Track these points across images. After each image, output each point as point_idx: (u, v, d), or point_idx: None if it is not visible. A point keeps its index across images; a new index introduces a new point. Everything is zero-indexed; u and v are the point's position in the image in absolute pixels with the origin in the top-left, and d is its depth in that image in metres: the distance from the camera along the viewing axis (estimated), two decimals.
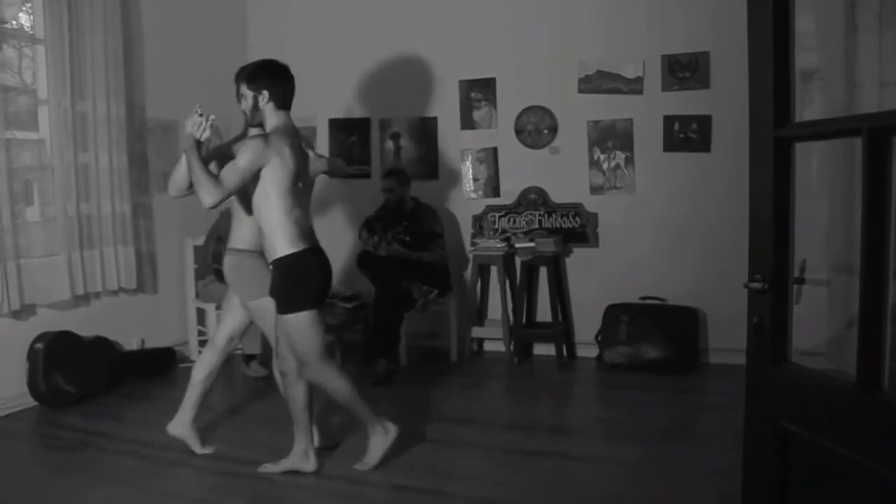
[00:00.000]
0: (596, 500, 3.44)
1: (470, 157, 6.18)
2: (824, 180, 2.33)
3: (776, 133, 1.86)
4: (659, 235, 5.68)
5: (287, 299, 3.53)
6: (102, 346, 5.18)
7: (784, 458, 1.90)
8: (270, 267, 3.57)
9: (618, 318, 5.61)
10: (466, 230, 6.21)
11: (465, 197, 6.20)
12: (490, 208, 6.09)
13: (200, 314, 5.90)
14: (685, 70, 5.55)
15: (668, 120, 5.62)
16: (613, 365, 5.54)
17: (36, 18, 5.03)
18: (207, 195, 3.36)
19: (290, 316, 3.52)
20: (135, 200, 5.50)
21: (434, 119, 6.21)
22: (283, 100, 3.67)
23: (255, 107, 3.65)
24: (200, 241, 5.81)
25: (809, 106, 3.65)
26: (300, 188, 3.59)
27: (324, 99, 6.27)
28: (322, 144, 6.56)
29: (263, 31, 6.67)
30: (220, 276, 5.65)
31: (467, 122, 6.16)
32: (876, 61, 2.79)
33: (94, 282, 5.20)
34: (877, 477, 1.63)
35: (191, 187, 3.57)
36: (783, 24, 1.82)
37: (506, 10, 5.92)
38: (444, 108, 6.17)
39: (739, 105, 2.21)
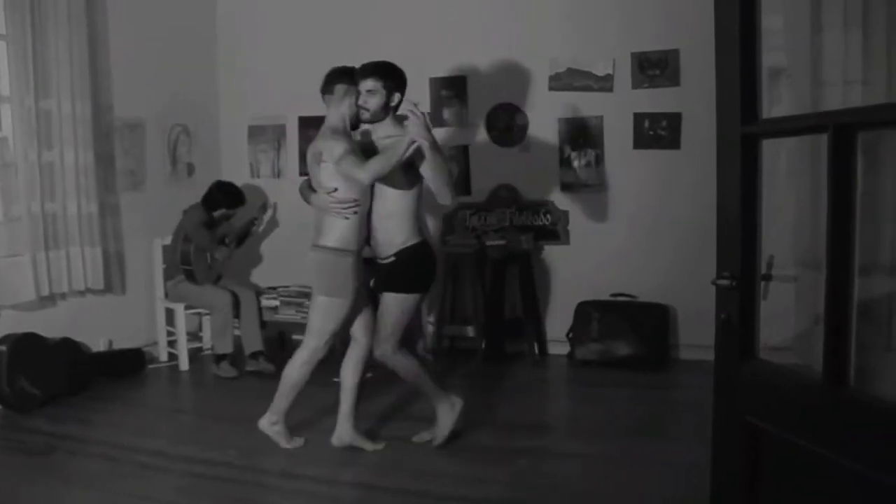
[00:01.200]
0: (570, 497, 3.45)
1: None
2: (793, 177, 2.35)
3: (743, 130, 1.87)
4: (630, 232, 5.71)
5: (410, 281, 3.80)
6: (69, 347, 5.09)
7: (753, 453, 1.91)
8: (392, 257, 3.78)
9: (589, 314, 5.63)
10: (438, 228, 6.19)
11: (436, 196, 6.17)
12: (461, 206, 6.07)
13: (170, 314, 5.83)
14: (655, 68, 5.58)
15: (639, 117, 5.65)
16: (585, 362, 5.56)
17: None
18: (452, 187, 3.82)
19: (404, 295, 3.78)
20: (102, 200, 5.42)
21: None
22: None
23: (386, 105, 3.74)
24: (169, 240, 5.75)
25: (778, 103, 3.69)
26: None
27: (294, 97, 6.23)
28: (292, 142, 6.52)
29: (232, 29, 6.61)
30: (189, 276, 5.62)
31: (438, 120, 6.14)
32: (842, 59, 2.81)
33: (59, 282, 5.13)
34: (843, 471, 1.64)
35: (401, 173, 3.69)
36: (750, 22, 1.83)
37: (477, 8, 5.91)
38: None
39: (709, 102, 2.21)
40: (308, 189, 3.91)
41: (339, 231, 3.74)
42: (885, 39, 2.10)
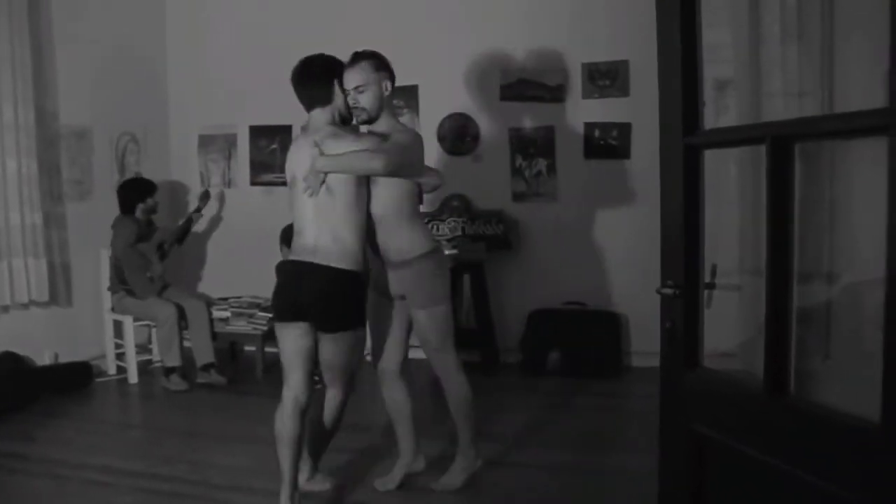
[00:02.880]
0: None
1: None
2: (738, 186, 2.39)
3: (685, 140, 1.89)
4: (581, 241, 5.76)
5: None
6: (12, 361, 4.99)
7: (698, 460, 1.94)
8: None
9: (541, 323, 5.66)
10: None
11: None
12: None
13: (118, 326, 5.73)
14: (605, 78, 5.64)
15: (589, 127, 5.71)
16: (537, 370, 5.58)
17: None
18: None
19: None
20: (46, 210, 5.31)
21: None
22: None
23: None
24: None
25: (725, 114, 3.76)
26: None
27: (245, 106, 6.19)
28: (243, 151, 6.46)
29: (182, 35, 6.54)
30: (129, 292, 5.53)
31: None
32: (781, 71, 2.87)
33: (2, 294, 5.02)
34: (786, 477, 1.67)
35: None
36: (690, 35, 1.86)
37: (428, 17, 5.93)
38: None
39: (658, 113, 2.24)
40: None
41: (420, 235, 3.53)
42: (819, 51, 2.15)
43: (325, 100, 3.29)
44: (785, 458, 1.66)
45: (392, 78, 3.35)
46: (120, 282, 5.55)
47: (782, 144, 1.61)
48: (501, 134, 5.91)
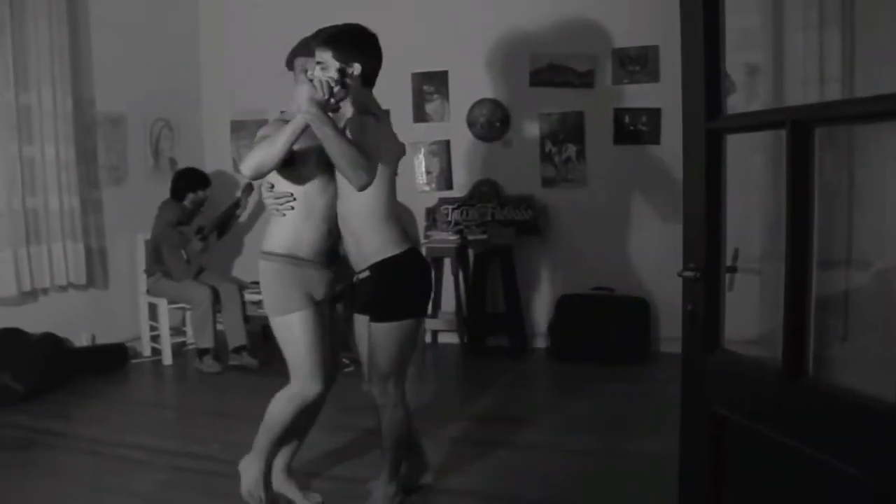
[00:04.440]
0: (547, 489, 3.49)
1: (423, 150, 6.19)
2: (762, 171, 2.39)
3: (707, 125, 1.90)
4: (610, 227, 5.76)
5: (398, 304, 3.03)
6: (51, 342, 5.10)
7: (718, 442, 1.96)
8: (365, 271, 3.05)
9: (570, 308, 5.68)
10: (420, 222, 6.23)
11: (418, 190, 6.21)
12: (443, 201, 6.11)
13: (152, 309, 5.84)
14: (635, 63, 5.62)
15: (619, 113, 5.70)
16: (565, 355, 5.60)
17: None
18: (365, 172, 2.76)
19: (396, 324, 3.02)
20: (84, 195, 5.43)
21: (386, 112, 6.16)
22: (373, 76, 2.98)
23: (343, 82, 2.82)
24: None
25: (755, 100, 3.74)
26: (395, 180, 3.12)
27: (276, 91, 6.23)
28: None
29: (215, 23, 6.62)
30: (166, 273, 5.64)
31: (420, 115, 6.18)
32: (818, 57, 2.85)
33: (41, 277, 5.14)
34: (804, 458, 1.69)
35: (286, 166, 2.91)
36: (714, 19, 1.87)
37: (458, 3, 5.94)
38: (397, 101, 6.16)
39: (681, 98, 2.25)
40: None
41: (279, 233, 3.07)
42: (850, 37, 2.14)
43: None
44: (803, 440, 1.67)
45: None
46: (157, 262, 5.66)
47: (802, 129, 1.62)
48: (531, 119, 5.92)
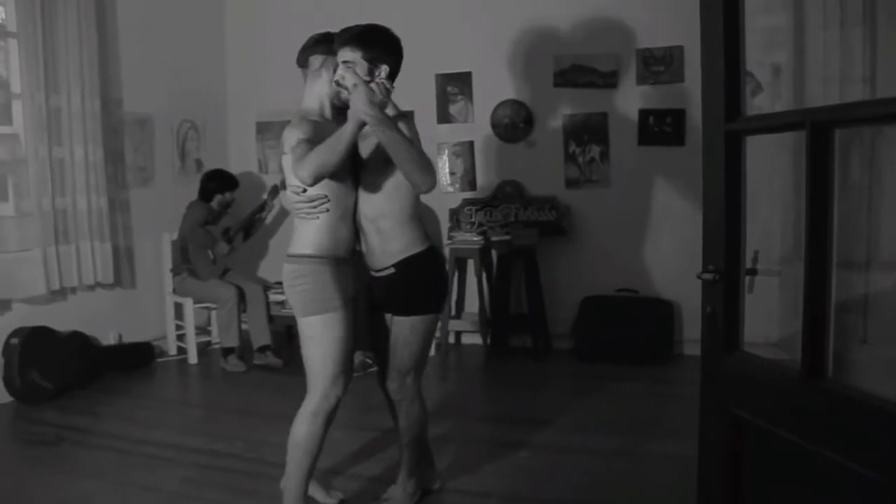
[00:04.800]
0: (568, 489, 3.49)
1: (446, 151, 6.20)
2: (784, 172, 2.38)
3: (727, 127, 1.90)
4: (634, 228, 5.74)
5: (422, 298, 3.08)
6: (79, 340, 5.19)
7: (737, 442, 1.95)
8: (390, 268, 3.04)
9: (593, 310, 5.67)
10: (444, 223, 6.24)
11: (442, 191, 6.23)
12: (467, 202, 6.12)
13: (178, 308, 5.91)
14: (660, 64, 5.60)
15: (643, 114, 5.68)
16: (589, 356, 5.59)
17: (8, 11, 5.00)
18: (431, 173, 2.84)
19: (420, 318, 3.06)
20: (111, 195, 5.50)
21: (410, 113, 6.19)
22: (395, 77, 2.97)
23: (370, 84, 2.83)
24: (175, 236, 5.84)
25: (781, 100, 3.71)
26: None
27: (301, 92, 6.28)
28: None
29: (241, 25, 6.68)
30: (192, 273, 5.71)
31: (444, 116, 6.19)
32: (846, 57, 2.83)
33: (70, 277, 5.20)
34: (822, 461, 1.68)
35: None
36: (733, 21, 1.87)
37: (482, 4, 5.95)
38: (421, 102, 6.18)
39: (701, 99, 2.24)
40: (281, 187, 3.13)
41: (308, 234, 2.98)
42: (861, 37, 2.12)
43: None
44: (821, 443, 1.67)
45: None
46: (183, 261, 5.73)
47: (822, 130, 1.61)
48: (555, 120, 5.92)
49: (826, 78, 2.89)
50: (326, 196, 2.93)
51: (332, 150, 2.74)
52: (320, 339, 2.96)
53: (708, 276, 1.95)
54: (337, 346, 2.97)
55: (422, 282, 3.06)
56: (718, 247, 1.94)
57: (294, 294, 2.98)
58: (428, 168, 2.81)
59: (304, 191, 2.91)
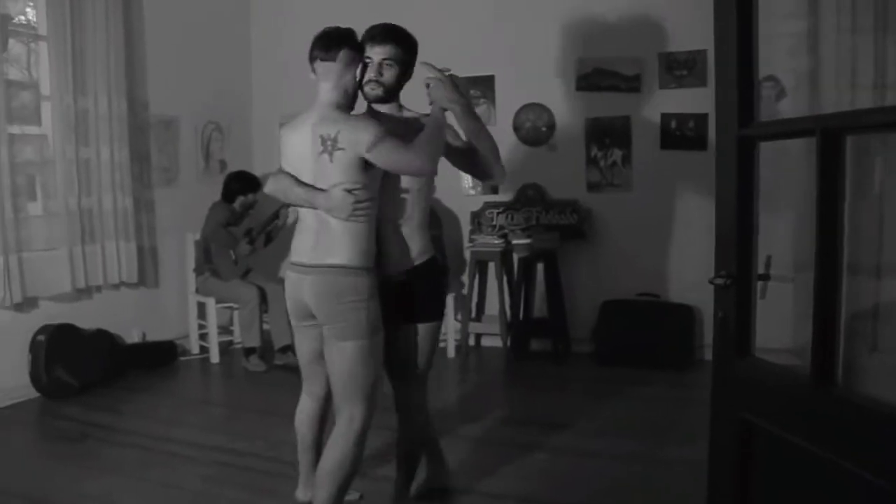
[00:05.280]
0: (584, 493, 3.50)
1: None
2: (798, 178, 2.38)
3: (740, 132, 1.90)
4: (655, 232, 5.72)
5: (440, 303, 3.12)
6: (104, 338, 5.27)
7: (747, 448, 1.95)
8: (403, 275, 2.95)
9: (614, 314, 5.66)
10: (465, 226, 6.26)
11: (464, 193, 6.25)
12: (488, 205, 6.13)
13: (201, 308, 5.98)
14: (683, 68, 5.58)
15: (666, 118, 5.66)
16: (609, 360, 5.58)
17: (39, 14, 5.10)
18: (502, 165, 2.94)
19: (437, 323, 3.08)
20: (136, 195, 5.58)
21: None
22: None
23: (401, 82, 2.93)
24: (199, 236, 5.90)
25: (804, 105, 3.69)
26: None
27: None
28: None
29: (266, 27, 6.74)
30: (214, 273, 5.77)
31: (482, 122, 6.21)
32: (870, 63, 2.82)
33: (95, 275, 5.29)
34: (834, 468, 1.68)
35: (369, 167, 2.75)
36: (747, 26, 1.87)
37: (505, 7, 5.97)
38: None
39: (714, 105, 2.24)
40: (298, 185, 2.81)
41: (359, 242, 2.76)
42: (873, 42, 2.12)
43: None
44: (831, 450, 1.66)
45: None
46: (206, 261, 5.79)
47: (832, 137, 1.61)
48: (577, 124, 5.91)
49: (850, 84, 2.88)
50: (373, 198, 2.78)
51: (437, 139, 2.73)
52: (375, 359, 2.85)
53: (720, 280, 1.96)
54: (380, 365, 2.91)
55: (435, 288, 3.07)
56: (730, 252, 1.95)
57: (352, 312, 2.75)
58: (499, 158, 2.89)
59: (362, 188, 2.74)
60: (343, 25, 3.01)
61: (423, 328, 3.04)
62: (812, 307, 1.70)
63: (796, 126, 1.89)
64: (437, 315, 3.08)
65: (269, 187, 2.91)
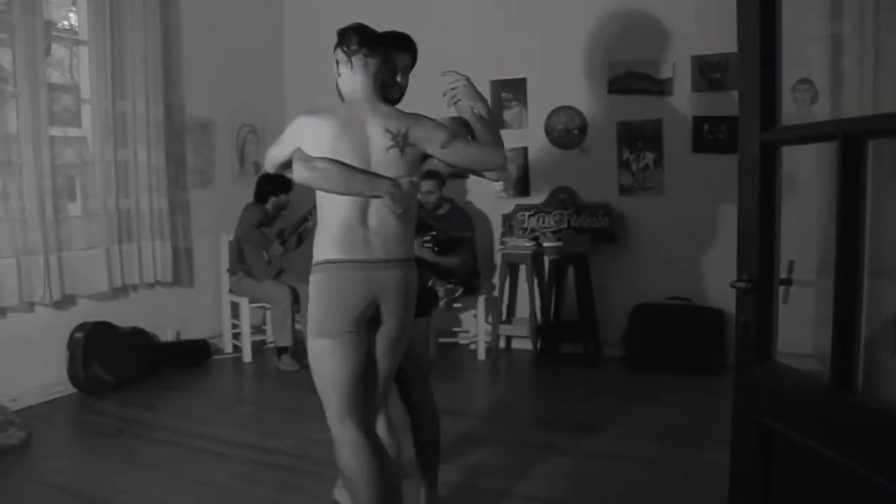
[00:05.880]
0: (611, 497, 3.50)
1: None
2: (823, 181, 2.36)
3: (762, 137, 1.90)
4: (687, 236, 5.69)
5: (429, 299, 3.27)
6: (139, 336, 5.38)
7: (768, 453, 1.95)
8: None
9: (645, 317, 5.64)
10: (496, 228, 6.28)
11: (496, 196, 6.26)
12: (519, 207, 6.15)
13: (235, 308, 6.06)
14: (715, 71, 5.55)
15: (698, 121, 5.63)
16: (640, 364, 5.56)
17: (80, 20, 5.22)
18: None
19: (428, 318, 3.20)
20: (172, 197, 5.68)
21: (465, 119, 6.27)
22: None
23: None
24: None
25: (838, 108, 3.64)
26: None
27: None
28: None
29: (299, 31, 6.82)
30: (248, 273, 5.85)
31: (498, 122, 6.22)
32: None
33: (131, 274, 5.40)
34: (853, 474, 1.67)
35: None
36: (770, 31, 1.87)
37: (537, 11, 5.98)
38: None
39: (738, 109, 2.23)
40: (356, 172, 2.66)
41: (411, 235, 2.79)
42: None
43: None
44: (850, 454, 1.66)
45: None
46: (240, 262, 5.88)
47: (854, 141, 1.61)
48: (609, 127, 5.90)
49: (882, 87, 2.84)
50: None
51: (498, 132, 2.84)
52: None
53: (741, 284, 1.95)
54: None
55: (422, 283, 3.05)
56: (752, 256, 1.95)
57: (413, 306, 2.81)
58: (494, 150, 2.77)
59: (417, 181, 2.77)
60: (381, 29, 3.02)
61: (419, 324, 3.05)
62: (832, 312, 1.70)
63: (818, 130, 1.88)
64: (426, 309, 3.17)
65: (302, 174, 2.69)
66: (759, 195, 1.91)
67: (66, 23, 5.25)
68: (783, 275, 1.95)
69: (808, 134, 1.93)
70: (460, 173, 3.35)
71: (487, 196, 6.30)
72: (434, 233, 5.48)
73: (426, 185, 5.72)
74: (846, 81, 3.47)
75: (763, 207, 1.91)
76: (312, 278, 2.72)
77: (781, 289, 1.94)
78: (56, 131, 4.98)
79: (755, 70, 1.89)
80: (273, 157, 2.82)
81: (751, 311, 1.95)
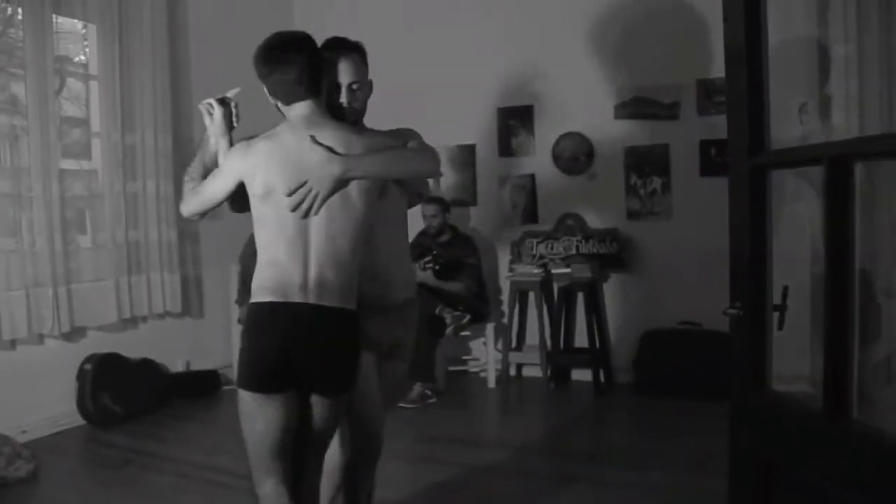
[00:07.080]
0: None
1: (508, 184, 6.24)
2: (817, 206, 2.34)
3: (751, 161, 1.89)
4: (696, 261, 5.63)
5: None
6: (149, 367, 5.39)
7: (764, 482, 1.91)
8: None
9: (655, 343, 5.59)
10: (504, 256, 6.27)
11: (504, 223, 6.26)
12: (527, 234, 6.14)
13: None
14: (721, 94, 5.53)
15: (705, 144, 5.61)
16: (650, 390, 5.51)
17: (91, 54, 5.30)
18: None
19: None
20: (181, 227, 5.71)
21: (472, 146, 6.31)
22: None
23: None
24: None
25: (833, 132, 3.63)
26: None
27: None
28: None
29: None
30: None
31: (505, 149, 6.24)
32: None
33: (141, 306, 5.42)
34: (848, 503, 1.64)
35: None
36: (756, 54, 1.86)
37: (543, 38, 6.00)
38: (483, 136, 6.26)
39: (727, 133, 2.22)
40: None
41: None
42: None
43: (319, 89, 2.53)
44: (845, 482, 1.63)
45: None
46: (246, 292, 5.88)
47: (840, 165, 1.59)
48: (616, 152, 5.90)
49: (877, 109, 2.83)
50: None
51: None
52: None
53: (733, 311, 1.93)
54: None
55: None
56: (744, 282, 1.93)
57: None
58: (425, 157, 2.58)
59: None
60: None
61: (401, 365, 2.89)
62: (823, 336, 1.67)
63: (805, 154, 1.87)
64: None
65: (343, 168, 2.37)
66: (750, 221, 1.89)
67: (82, 57, 5.34)
68: (778, 301, 1.93)
69: (796, 158, 1.91)
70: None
71: (494, 223, 6.30)
72: (435, 252, 5.49)
73: (429, 210, 5.74)
74: (851, 104, 3.46)
75: (753, 233, 1.89)
76: None
77: (777, 315, 1.91)
78: (67, 164, 5.04)
79: (743, 95, 1.89)
80: None
81: (744, 338, 1.93)
